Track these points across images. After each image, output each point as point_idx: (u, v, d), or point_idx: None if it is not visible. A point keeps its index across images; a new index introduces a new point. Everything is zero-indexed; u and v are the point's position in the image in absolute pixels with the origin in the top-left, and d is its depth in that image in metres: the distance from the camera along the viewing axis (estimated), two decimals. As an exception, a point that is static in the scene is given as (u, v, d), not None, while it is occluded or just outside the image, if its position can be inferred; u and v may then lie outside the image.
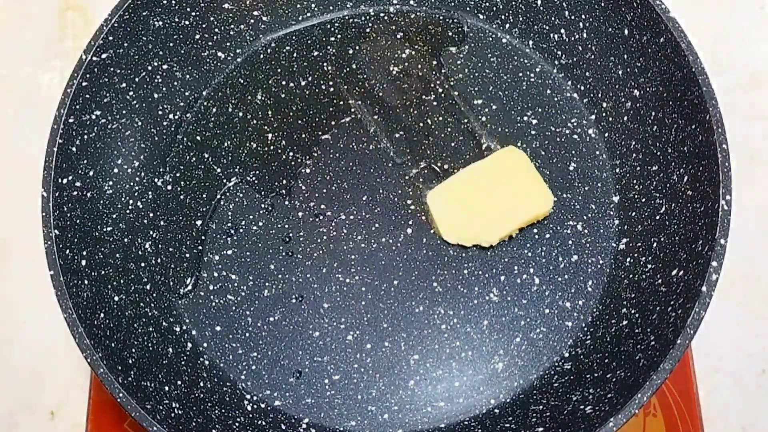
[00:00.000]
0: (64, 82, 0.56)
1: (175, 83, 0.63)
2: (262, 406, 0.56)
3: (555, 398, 0.54)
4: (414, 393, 0.56)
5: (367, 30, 0.66)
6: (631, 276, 0.57)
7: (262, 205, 0.61)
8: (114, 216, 0.59)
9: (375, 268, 0.59)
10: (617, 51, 0.60)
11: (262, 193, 0.61)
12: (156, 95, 0.62)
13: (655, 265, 0.55)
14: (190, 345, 0.57)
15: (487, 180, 0.59)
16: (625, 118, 0.60)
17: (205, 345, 0.57)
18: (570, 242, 0.59)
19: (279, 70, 0.65)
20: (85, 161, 0.57)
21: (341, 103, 0.64)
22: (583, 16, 0.61)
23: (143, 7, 0.59)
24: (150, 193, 0.61)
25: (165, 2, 0.61)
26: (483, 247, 0.59)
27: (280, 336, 0.57)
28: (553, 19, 0.63)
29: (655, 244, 0.56)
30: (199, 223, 0.61)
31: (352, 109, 0.63)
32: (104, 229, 0.58)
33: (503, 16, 0.65)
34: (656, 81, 0.57)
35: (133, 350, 0.54)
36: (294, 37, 0.66)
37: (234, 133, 0.63)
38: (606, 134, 0.61)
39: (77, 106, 0.56)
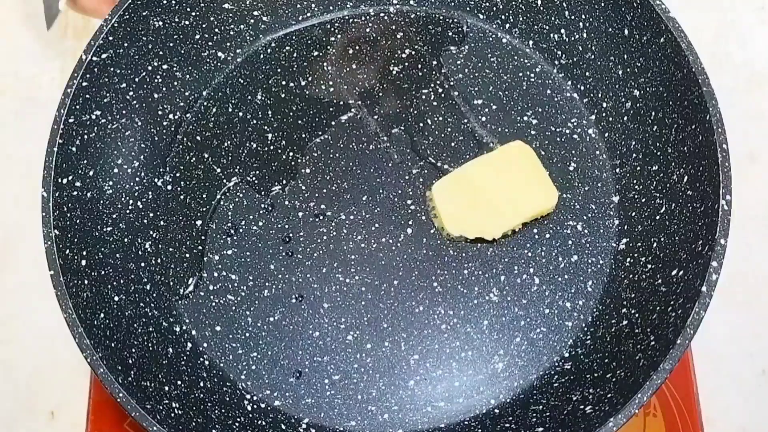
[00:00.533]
0: (64, 82, 0.56)
1: (175, 83, 0.63)
2: (262, 406, 0.56)
3: (555, 398, 0.54)
4: (414, 393, 0.56)
5: (367, 30, 0.66)
6: (631, 276, 0.57)
7: (262, 205, 0.61)
8: (114, 216, 0.59)
9: (375, 268, 0.59)
10: (617, 51, 0.60)
11: (262, 193, 0.61)
12: (156, 95, 0.62)
13: (655, 265, 0.55)
14: (190, 345, 0.57)
15: (492, 173, 0.59)
16: (625, 118, 0.60)
17: (205, 345, 0.57)
18: (570, 242, 0.59)
19: (279, 70, 0.65)
20: (85, 161, 0.57)
21: (341, 103, 0.64)
22: (583, 16, 0.61)
23: (143, 7, 0.59)
24: (150, 193, 0.61)
25: (165, 2, 0.61)
26: (485, 243, 0.59)
27: (280, 336, 0.57)
28: (553, 19, 0.63)
29: (655, 244, 0.56)
30: (199, 223, 0.61)
31: (352, 109, 0.63)
32: (104, 229, 0.58)
33: (503, 16, 0.65)
34: (656, 81, 0.57)
35: (133, 350, 0.54)
36: (294, 37, 0.66)
37: (234, 133, 0.63)
38: (606, 134, 0.61)
39: (77, 106, 0.56)
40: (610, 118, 0.61)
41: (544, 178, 0.59)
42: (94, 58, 0.57)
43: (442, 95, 0.63)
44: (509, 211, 0.58)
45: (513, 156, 0.60)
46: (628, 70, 0.59)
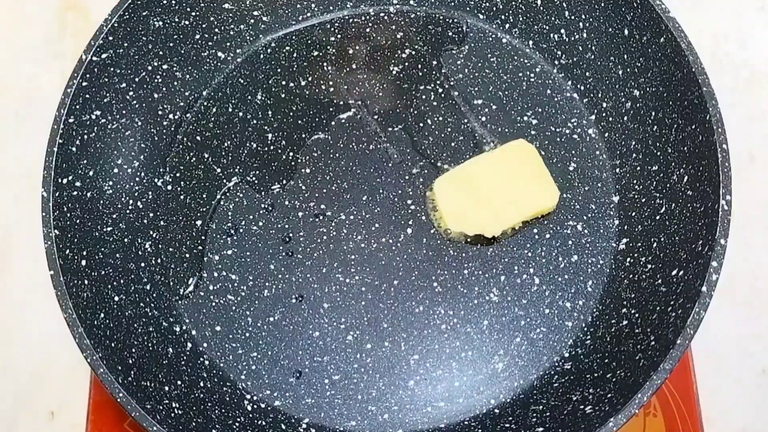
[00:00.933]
0: (64, 82, 0.56)
1: (175, 83, 0.63)
2: (262, 406, 0.56)
3: (555, 398, 0.54)
4: (414, 393, 0.56)
5: (367, 30, 0.66)
6: (631, 276, 0.57)
7: (262, 205, 0.61)
8: (114, 216, 0.59)
9: (375, 268, 0.59)
10: (617, 51, 0.60)
11: (262, 193, 0.61)
12: (156, 95, 0.62)
13: (655, 265, 0.55)
14: (190, 345, 0.57)
15: (495, 171, 0.59)
16: (625, 118, 0.60)
17: (205, 345, 0.57)
18: (570, 242, 0.59)
19: (279, 70, 0.65)
20: (85, 161, 0.57)
21: (341, 102, 0.64)
22: (583, 16, 0.61)
23: (143, 7, 0.59)
24: (150, 193, 0.61)
25: (165, 2, 0.61)
26: (485, 244, 0.59)
27: (280, 336, 0.57)
28: (553, 19, 0.63)
29: (655, 244, 0.56)
30: (199, 223, 0.61)
31: (352, 109, 0.63)
32: (104, 229, 0.58)
33: (503, 16, 0.65)
34: (656, 81, 0.57)
35: (133, 350, 0.54)
36: (294, 37, 0.66)
37: (234, 133, 0.63)
38: (606, 134, 0.61)
39: (77, 106, 0.56)
40: (610, 118, 0.61)
41: (546, 177, 0.59)
42: (94, 58, 0.57)
43: (442, 95, 0.63)
44: (510, 208, 0.58)
45: (515, 154, 0.60)
46: (628, 70, 0.59)
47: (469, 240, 0.59)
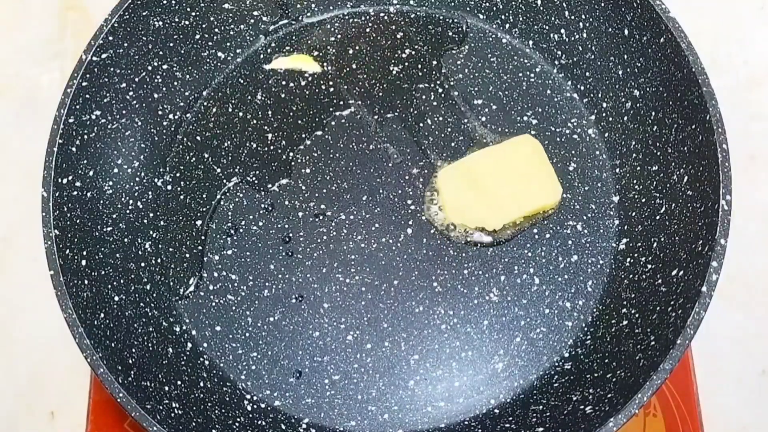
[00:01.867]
0: (64, 82, 0.56)
1: (175, 83, 0.63)
2: (262, 406, 0.56)
3: (555, 398, 0.54)
4: (414, 393, 0.56)
5: (367, 30, 0.66)
6: (631, 276, 0.57)
7: (262, 205, 0.61)
8: (114, 216, 0.59)
9: (375, 268, 0.59)
10: (617, 51, 0.60)
11: (262, 193, 0.61)
12: (156, 95, 0.62)
13: (655, 265, 0.55)
14: (190, 345, 0.57)
15: (499, 165, 0.59)
16: (625, 118, 0.60)
17: (205, 345, 0.57)
18: (570, 242, 0.59)
19: (279, 70, 0.65)
20: (85, 161, 0.57)
21: (341, 102, 0.64)
22: (583, 16, 0.61)
23: (143, 7, 0.59)
24: (150, 193, 0.61)
25: (165, 2, 0.61)
26: (485, 245, 0.59)
27: (280, 336, 0.57)
28: (553, 19, 0.63)
29: (655, 244, 0.56)
30: (199, 223, 0.61)
31: (352, 109, 0.63)
32: (104, 229, 0.58)
33: (503, 16, 0.65)
34: (656, 81, 0.57)
35: (133, 350, 0.54)
36: (294, 37, 0.66)
37: (234, 133, 0.63)
38: (606, 134, 0.61)
39: (77, 106, 0.56)
40: (610, 118, 0.61)
41: (550, 173, 0.59)
42: (94, 58, 0.57)
43: (442, 95, 0.63)
44: (512, 203, 0.58)
45: (521, 149, 0.60)
46: (628, 70, 0.59)
47: (468, 240, 0.59)
